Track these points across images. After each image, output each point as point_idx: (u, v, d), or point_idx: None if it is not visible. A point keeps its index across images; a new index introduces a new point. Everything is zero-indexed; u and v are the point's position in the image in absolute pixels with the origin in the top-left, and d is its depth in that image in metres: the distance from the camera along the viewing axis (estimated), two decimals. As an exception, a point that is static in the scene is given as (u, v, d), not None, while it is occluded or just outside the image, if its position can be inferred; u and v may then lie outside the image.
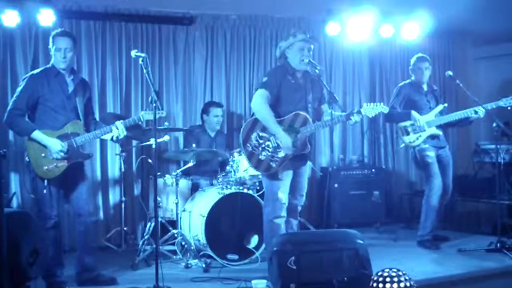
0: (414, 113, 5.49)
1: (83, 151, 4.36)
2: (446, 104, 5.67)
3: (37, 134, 4.15)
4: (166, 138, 5.46)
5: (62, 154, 4.17)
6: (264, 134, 4.42)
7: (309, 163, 4.71)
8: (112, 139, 4.37)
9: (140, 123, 4.39)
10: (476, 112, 5.31)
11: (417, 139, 5.50)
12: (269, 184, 4.47)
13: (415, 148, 5.55)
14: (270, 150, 4.39)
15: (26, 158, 4.21)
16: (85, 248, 4.38)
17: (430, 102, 5.65)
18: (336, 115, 4.40)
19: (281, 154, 4.38)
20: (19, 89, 4.23)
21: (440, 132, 5.56)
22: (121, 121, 4.32)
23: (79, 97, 4.34)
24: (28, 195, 5.38)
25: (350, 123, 4.41)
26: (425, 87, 5.69)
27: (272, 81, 4.42)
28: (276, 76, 4.45)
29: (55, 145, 4.16)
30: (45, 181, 4.17)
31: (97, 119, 4.96)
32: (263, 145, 4.41)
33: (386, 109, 4.48)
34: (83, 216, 4.35)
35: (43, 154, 4.17)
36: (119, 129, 4.27)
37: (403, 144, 5.69)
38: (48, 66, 4.35)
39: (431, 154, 5.50)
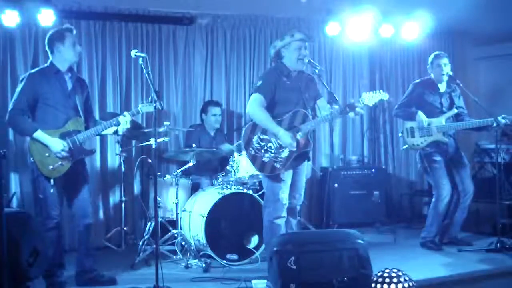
0: (420, 114, 5.33)
1: (85, 147, 4.37)
2: (458, 111, 5.45)
3: (39, 134, 4.15)
4: (166, 138, 5.45)
5: (63, 153, 4.18)
6: (265, 136, 4.41)
7: (309, 163, 4.69)
8: (116, 132, 4.41)
9: (138, 114, 4.48)
10: (494, 122, 5.12)
11: (422, 143, 5.36)
12: (270, 185, 4.45)
13: (421, 152, 5.41)
14: (273, 151, 4.38)
15: (30, 159, 4.20)
16: (83, 249, 4.38)
17: (443, 104, 5.43)
18: (336, 109, 4.31)
19: (284, 154, 4.37)
20: (18, 89, 4.24)
21: (446, 140, 5.35)
22: (128, 111, 4.42)
23: (78, 95, 4.35)
24: (28, 195, 5.38)
25: (351, 115, 4.34)
26: (442, 87, 5.45)
27: (266, 85, 4.41)
28: (270, 79, 4.44)
29: (57, 145, 4.17)
30: (51, 180, 4.16)
31: (97, 119, 4.94)
32: (265, 147, 4.39)
33: (386, 96, 4.36)
34: (83, 218, 4.36)
35: (47, 154, 4.17)
36: (126, 118, 4.33)
37: (406, 146, 5.53)
38: (45, 65, 4.35)
39: (437, 158, 5.35)
